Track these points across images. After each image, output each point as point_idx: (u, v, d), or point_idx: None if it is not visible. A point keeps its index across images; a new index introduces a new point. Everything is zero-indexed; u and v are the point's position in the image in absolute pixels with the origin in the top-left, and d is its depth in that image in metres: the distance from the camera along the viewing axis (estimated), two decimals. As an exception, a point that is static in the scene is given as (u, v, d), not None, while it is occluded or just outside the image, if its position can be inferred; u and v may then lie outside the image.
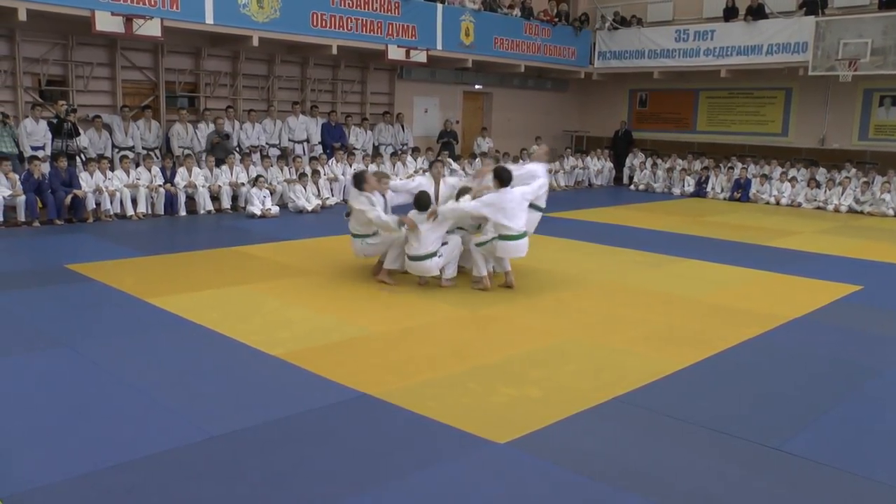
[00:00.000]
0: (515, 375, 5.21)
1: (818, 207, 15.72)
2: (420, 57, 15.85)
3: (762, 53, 17.33)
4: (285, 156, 14.27)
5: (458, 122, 19.00)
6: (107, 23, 11.54)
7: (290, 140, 14.93)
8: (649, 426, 4.46)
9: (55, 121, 11.87)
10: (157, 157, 12.88)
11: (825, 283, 8.49)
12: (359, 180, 7.85)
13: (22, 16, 10.86)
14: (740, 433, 4.34)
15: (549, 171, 8.85)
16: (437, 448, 4.10)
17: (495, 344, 5.99)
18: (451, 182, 8.56)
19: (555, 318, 6.80)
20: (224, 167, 12.99)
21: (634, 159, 19.88)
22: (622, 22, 19.91)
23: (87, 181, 11.44)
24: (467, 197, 7.75)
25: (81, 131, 12.13)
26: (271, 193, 12.77)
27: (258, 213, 12.09)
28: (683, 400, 4.88)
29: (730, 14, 18.19)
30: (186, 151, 13.17)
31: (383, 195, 8.05)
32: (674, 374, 5.33)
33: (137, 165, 12.27)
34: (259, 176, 12.79)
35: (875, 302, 7.68)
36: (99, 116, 12.70)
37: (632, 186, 19.24)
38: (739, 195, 16.78)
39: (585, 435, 4.31)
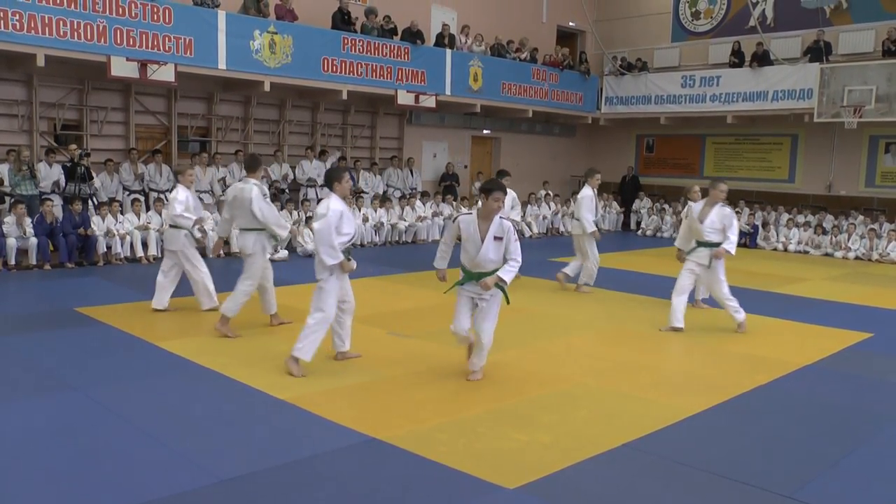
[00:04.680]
0: (526, 420, 5.18)
1: (826, 254, 15.70)
2: (429, 102, 16.08)
3: (768, 100, 17.52)
4: (294, 199, 14.38)
5: (466, 166, 19.18)
6: (122, 68, 11.78)
7: (300, 184, 15.07)
8: (660, 472, 4.42)
9: (69, 164, 12.03)
10: (168, 201, 12.96)
11: (835, 329, 8.45)
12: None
13: (40, 61, 11.10)
14: (752, 480, 4.29)
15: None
16: (446, 493, 4.07)
17: (505, 389, 5.95)
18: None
19: (565, 363, 6.78)
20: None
21: (642, 204, 19.97)
22: (628, 67, 20.18)
23: (99, 224, 11.55)
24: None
25: (94, 175, 12.28)
26: (280, 237, 12.82)
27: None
28: (694, 446, 4.85)
29: (734, 59, 18.43)
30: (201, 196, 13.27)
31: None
32: (685, 421, 5.29)
33: (148, 209, 12.39)
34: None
35: (886, 349, 7.63)
36: (111, 160, 12.88)
37: (639, 232, 19.28)
38: (747, 241, 16.78)
39: (596, 481, 4.28)
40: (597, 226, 10.38)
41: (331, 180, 6.25)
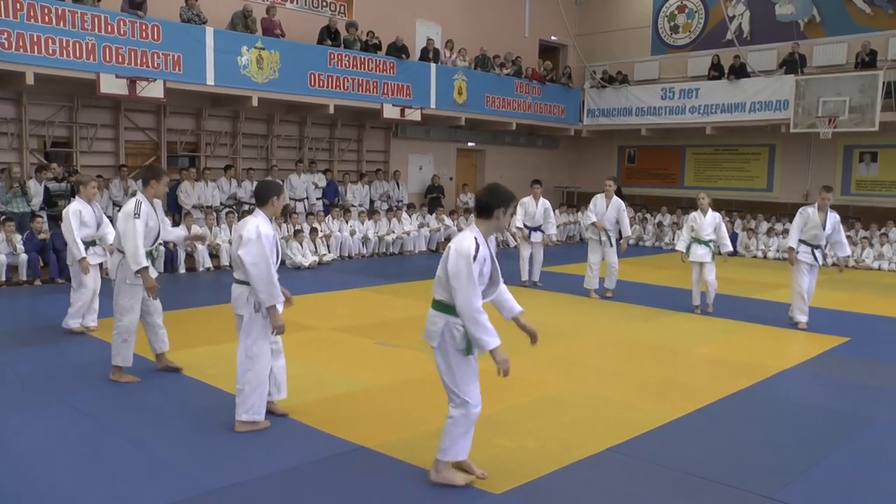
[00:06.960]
0: (511, 427, 5.29)
1: (805, 260, 15.95)
2: (414, 115, 16.25)
3: (745, 111, 17.85)
4: (284, 213, 14.49)
5: (451, 178, 19.36)
6: (111, 85, 11.88)
7: (290, 198, 15.18)
8: (644, 476, 4.54)
9: (51, 180, 12.06)
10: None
11: (814, 334, 8.66)
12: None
13: (30, 80, 11.18)
14: (734, 482, 4.42)
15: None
16: (434, 499, 4.15)
17: (491, 396, 5.99)
18: None
19: (549, 370, 6.89)
20: (223, 225, 13.23)
21: (624, 214, 20.18)
22: (609, 80, 20.48)
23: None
24: None
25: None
26: (269, 250, 12.91)
27: (256, 269, 12.22)
28: (677, 450, 4.97)
29: (714, 73, 18.75)
30: (185, 211, 13.37)
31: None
32: (667, 425, 5.42)
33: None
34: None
35: (863, 353, 7.84)
36: (101, 176, 12.94)
37: (621, 241, 19.44)
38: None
39: (580, 485, 4.39)
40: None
41: (262, 197, 5.15)
